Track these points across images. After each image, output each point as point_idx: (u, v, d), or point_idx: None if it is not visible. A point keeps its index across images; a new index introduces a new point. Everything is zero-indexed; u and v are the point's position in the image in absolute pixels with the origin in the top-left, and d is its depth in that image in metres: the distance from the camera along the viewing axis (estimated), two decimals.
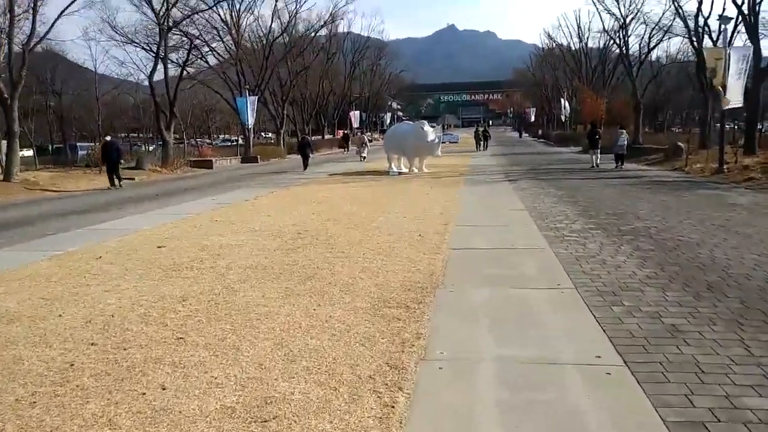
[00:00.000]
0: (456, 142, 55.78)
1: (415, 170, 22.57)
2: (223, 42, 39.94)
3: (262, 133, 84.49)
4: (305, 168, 26.91)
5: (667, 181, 17.65)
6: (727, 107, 19.40)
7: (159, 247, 8.44)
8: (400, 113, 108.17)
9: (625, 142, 23.92)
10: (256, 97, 39.95)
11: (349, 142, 41.87)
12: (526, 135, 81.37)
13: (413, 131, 21.93)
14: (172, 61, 33.28)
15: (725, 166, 19.23)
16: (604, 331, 4.60)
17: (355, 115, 71.75)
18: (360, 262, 7.05)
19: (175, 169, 29.26)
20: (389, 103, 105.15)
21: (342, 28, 63.81)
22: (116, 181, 21.23)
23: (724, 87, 19.02)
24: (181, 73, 31.25)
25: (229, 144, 61.68)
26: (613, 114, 40.94)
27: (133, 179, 25.20)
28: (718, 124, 37.45)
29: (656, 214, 10.72)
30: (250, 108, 38.21)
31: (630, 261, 7.03)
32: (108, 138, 23.38)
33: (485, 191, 15.28)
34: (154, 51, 29.72)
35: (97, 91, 35.80)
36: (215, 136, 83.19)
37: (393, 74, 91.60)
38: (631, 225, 9.62)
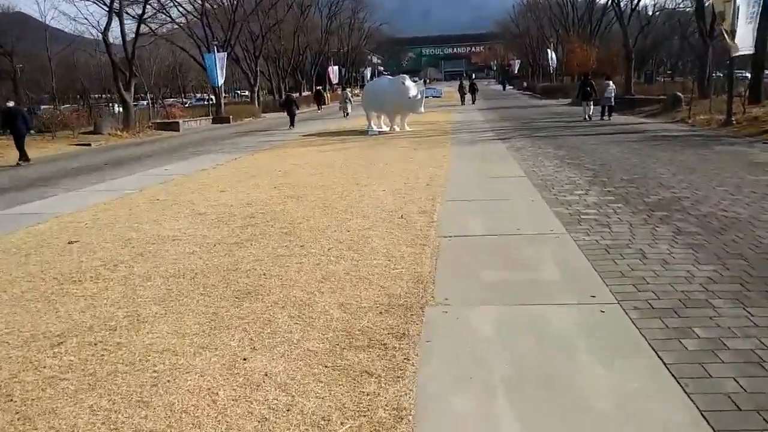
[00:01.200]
0: (439, 97, 53.50)
1: (397, 129, 20.69)
2: None
3: (238, 92, 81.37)
4: (293, 125, 25.83)
5: (675, 135, 15.98)
6: (736, 54, 17.62)
7: (70, 242, 6.63)
8: (381, 68, 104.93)
9: (612, 94, 22.83)
10: (226, 53, 37.32)
11: (323, 98, 36.52)
12: (511, 87, 79.01)
13: (393, 87, 19.95)
14: (130, 16, 30.53)
15: (733, 118, 17.61)
16: (688, 396, 2.95)
17: (333, 71, 68.80)
18: (322, 264, 5.32)
19: (137, 133, 27.00)
20: (369, 57, 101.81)
21: None
22: (21, 158, 17.00)
23: (733, 32, 17.21)
24: (138, 28, 28.60)
25: (204, 103, 58.87)
26: (603, 64, 38.93)
27: (89, 145, 23.02)
28: (717, 72, 35.85)
29: (680, 179, 9.06)
30: (219, 65, 35.60)
31: (677, 252, 5.38)
32: (10, 104, 18.94)
33: (476, 153, 13.52)
34: (107, 4, 26.98)
35: (49, 50, 32.92)
36: (190, 95, 79.99)
37: (372, 27, 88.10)
38: (657, 195, 7.96)
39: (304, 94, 60.27)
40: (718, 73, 36.70)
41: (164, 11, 35.42)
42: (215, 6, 40.51)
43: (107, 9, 27.06)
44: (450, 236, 6.18)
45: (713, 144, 13.58)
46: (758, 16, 17.26)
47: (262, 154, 15.52)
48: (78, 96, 37.74)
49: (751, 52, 18.06)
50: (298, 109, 29.87)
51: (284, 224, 6.95)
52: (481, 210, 7.44)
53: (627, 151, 12.91)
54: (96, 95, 39.25)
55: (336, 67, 70.79)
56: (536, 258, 5.30)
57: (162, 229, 7.04)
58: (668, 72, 73.19)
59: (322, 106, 43.26)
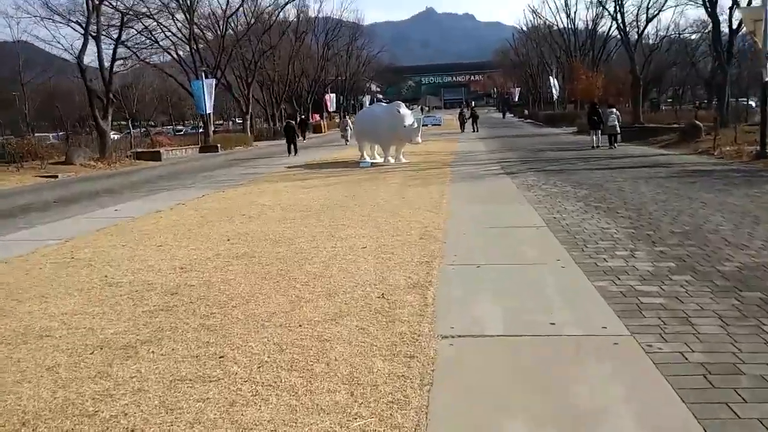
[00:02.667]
0: (439, 125, 51.94)
1: (391, 160, 18.72)
2: (174, 19, 35.45)
3: (234, 119, 79.68)
4: (294, 153, 25.63)
5: (707, 170, 13.96)
6: None
7: None
8: (380, 95, 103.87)
9: (617, 122, 22.01)
10: (214, 80, 35.66)
11: (308, 127, 32.83)
12: (511, 115, 77.60)
13: (387, 114, 18.06)
14: (112, 39, 28.85)
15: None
16: None
17: (330, 98, 67.49)
18: (238, 405, 3.19)
19: (112, 163, 25.06)
20: (368, 85, 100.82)
21: (313, 12, 59.53)
22: None
23: (765, 55, 15.36)
24: (114, 52, 26.86)
25: (198, 132, 57.10)
26: (610, 91, 37.23)
27: (56, 177, 21.06)
28: (735, 99, 34.05)
29: (750, 234, 6.98)
30: (207, 92, 33.98)
31: None
32: None
33: (481, 192, 11.48)
34: (83, 27, 25.29)
35: (22, 75, 31.19)
36: (189, 122, 78.33)
37: (370, 55, 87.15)
38: (731, 260, 5.87)
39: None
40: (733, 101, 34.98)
41: (148, 34, 33.79)
42: (204, 30, 38.99)
43: (83, 32, 25.31)
44: (452, 336, 4.08)
45: (760, 182, 11.52)
46: None
47: (235, 191, 13.48)
48: (56, 124, 35.94)
49: None
50: (300, 136, 28.63)
51: (212, 309, 4.84)
52: (495, 283, 5.34)
53: (660, 190, 10.87)
54: (77, 123, 37.42)
55: (333, 95, 69.51)
56: (595, 395, 3.19)
57: (40, 315, 4.93)
58: (668, 100, 71.83)
59: (310, 136, 40.17)
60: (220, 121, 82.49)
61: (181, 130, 66.12)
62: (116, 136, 49.06)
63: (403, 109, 18.03)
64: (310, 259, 6.44)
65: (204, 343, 4.08)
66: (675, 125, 29.10)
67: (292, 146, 26.00)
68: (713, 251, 6.24)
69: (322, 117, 65.34)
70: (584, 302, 4.74)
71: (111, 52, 27.34)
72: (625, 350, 3.78)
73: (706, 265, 5.70)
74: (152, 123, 77.23)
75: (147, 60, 35.77)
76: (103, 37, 27.65)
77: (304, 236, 7.71)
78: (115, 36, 29.64)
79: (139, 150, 29.29)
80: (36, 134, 34.03)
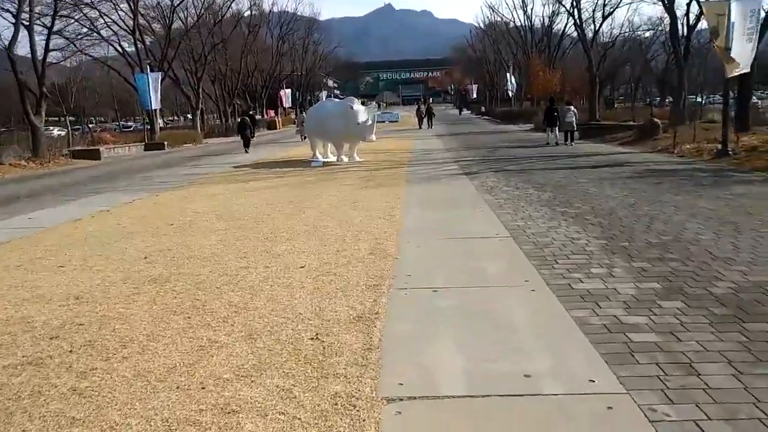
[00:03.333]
0: (396, 121, 51.15)
1: (345, 159, 17.75)
2: (117, 9, 33.49)
3: (188, 115, 76.98)
4: (247, 149, 25.00)
5: (671, 169, 13.46)
6: (732, 75, 15.39)
7: None
8: (337, 91, 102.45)
9: (574, 119, 22.23)
10: (159, 73, 33.88)
11: (256, 125, 29.75)
12: (468, 112, 77.49)
13: (340, 111, 17.05)
14: (46, 27, 26.86)
15: (729, 148, 15.29)
16: None
17: (286, 94, 65.73)
18: None
19: (45, 163, 23.26)
20: (325, 80, 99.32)
21: (268, 5, 57.85)
22: None
23: (728, 50, 14.97)
24: (47, 41, 24.99)
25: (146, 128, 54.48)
26: (566, 89, 37.08)
27: None
28: (693, 97, 34.25)
29: (732, 244, 6.29)
30: (152, 87, 32.19)
31: None
32: None
33: (439, 195, 10.61)
34: (14, 15, 23.39)
35: None
36: (138, 118, 75.14)
37: (327, 50, 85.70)
38: (721, 279, 5.12)
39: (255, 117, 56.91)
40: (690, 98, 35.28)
41: (89, 24, 31.80)
42: (151, 21, 37.09)
43: (13, 20, 23.41)
44: (399, 398, 3.15)
45: (728, 182, 11.02)
46: (757, 34, 15.11)
47: (171, 195, 12.26)
48: None
49: (746, 71, 15.91)
50: (253, 132, 27.77)
51: (94, 362, 3.76)
52: (455, 314, 4.44)
53: (627, 192, 10.21)
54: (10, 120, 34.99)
55: (288, 90, 67.78)
56: None
57: None
58: (620, 98, 72.81)
59: (263, 133, 37.14)
60: (172, 117, 79.74)
61: (129, 127, 63.36)
62: (61, 133, 46.62)
63: (357, 105, 17.05)
64: (236, 283, 5.41)
65: (68, 421, 3.03)
66: (631, 123, 28.98)
67: (247, 142, 25.37)
68: (699, 267, 5.49)
69: (277, 113, 63.76)
70: (563, 342, 3.87)
71: (45, 42, 25.39)
72: (622, 419, 2.91)
73: (695, 287, 4.93)
74: (102, 119, 74.00)
75: (86, 52, 33.67)
76: (38, 27, 25.77)
77: (235, 252, 6.66)
78: (45, 24, 27.70)
79: (77, 148, 27.45)
80: None
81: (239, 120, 29.06)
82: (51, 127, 53.78)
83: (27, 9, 24.01)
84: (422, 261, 6.06)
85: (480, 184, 11.86)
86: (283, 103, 65.69)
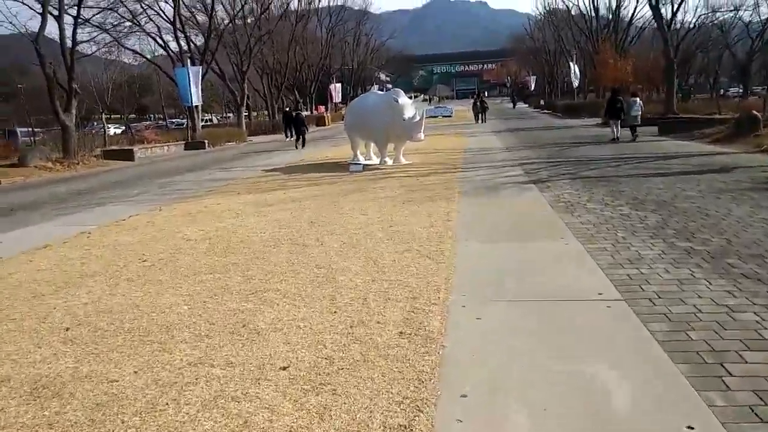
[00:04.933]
0: (450, 116, 48.38)
1: (388, 161, 15.40)
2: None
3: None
4: (303, 146, 24.47)
5: None
6: None
7: None
8: (389, 85, 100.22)
9: (639, 112, 20.73)
10: (200, 67, 32.35)
11: (295, 125, 25.98)
12: (525, 105, 73.71)
13: (383, 105, 14.73)
14: (82, 19, 25.58)
15: None
16: None
17: (336, 88, 63.83)
18: None
19: (74, 164, 21.88)
20: (377, 74, 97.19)
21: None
22: None
23: None
24: (74, 32, 23.53)
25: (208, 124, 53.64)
26: (640, 78, 33.44)
27: None
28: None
29: None
30: (193, 81, 30.64)
31: None
32: None
33: (502, 217, 8.09)
34: (41, 3, 22.06)
35: None
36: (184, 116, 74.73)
37: (379, 42, 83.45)
38: None
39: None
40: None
41: (128, 15, 30.55)
42: (194, 12, 35.69)
43: (40, 10, 22.11)
44: None
45: None
46: None
47: (175, 210, 10.20)
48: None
49: None
50: (306, 127, 26.35)
51: None
52: None
53: (765, 213, 7.42)
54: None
55: (339, 85, 65.85)
56: None
57: None
58: (690, 88, 67.24)
59: (291, 135, 29.89)
60: (229, 114, 79.23)
61: (182, 124, 62.91)
62: (117, 131, 46.14)
63: (403, 99, 14.64)
64: (161, 407, 3.13)
65: None
66: (719, 116, 25.46)
67: (301, 138, 24.87)
68: None
69: (327, 109, 61.93)
70: None
71: (76, 32, 24.03)
72: None
73: None
74: (160, 116, 74.03)
75: (123, 43, 32.56)
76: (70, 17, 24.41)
77: (195, 327, 4.39)
78: (87, 16, 26.49)
79: (111, 148, 26.11)
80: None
81: (294, 116, 27.73)
82: (110, 126, 53.85)
83: None
84: (486, 354, 3.64)
85: (555, 198, 9.24)
86: (333, 98, 63.84)
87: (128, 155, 24.74)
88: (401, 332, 4.03)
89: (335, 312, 4.49)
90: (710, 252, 5.80)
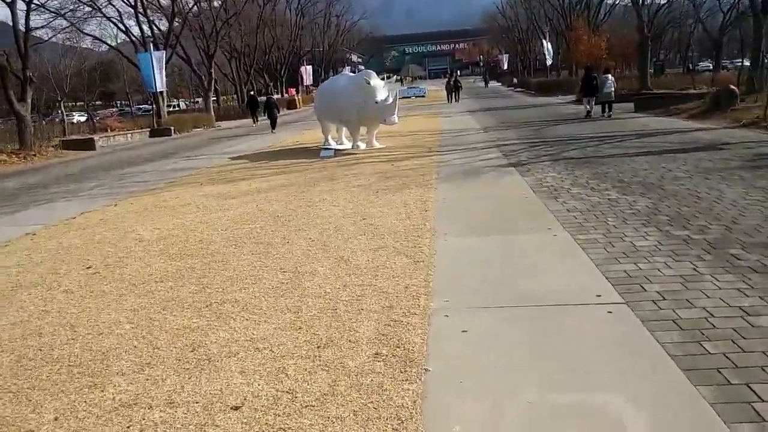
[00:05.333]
0: (423, 96, 47.72)
1: (361, 145, 14.76)
2: None
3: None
4: (274, 129, 24.33)
5: None
6: None
7: None
8: (362, 67, 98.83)
9: (612, 88, 20.71)
10: (164, 52, 31.12)
11: (268, 108, 25.43)
12: (498, 84, 73.28)
13: (354, 87, 14.08)
14: (38, 4, 24.24)
15: None
16: None
17: (307, 71, 62.50)
18: None
19: (31, 156, 20.78)
20: (348, 56, 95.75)
21: None
22: None
23: None
24: (28, 15, 22.25)
25: (171, 110, 51.95)
26: (614, 54, 33.11)
27: None
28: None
29: None
30: (156, 66, 29.42)
31: None
32: None
33: (483, 204, 7.56)
34: None
35: None
36: (173, 100, 72.48)
37: (350, 23, 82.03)
38: None
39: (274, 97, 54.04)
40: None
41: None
42: None
43: None
44: None
45: None
46: None
47: (130, 205, 9.46)
48: None
49: None
50: (279, 111, 26.27)
51: None
52: None
53: (760, 194, 7.01)
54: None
55: (309, 67, 64.54)
56: None
57: None
58: (662, 63, 67.37)
59: (257, 120, 29.61)
60: (198, 99, 77.19)
61: (150, 110, 60.95)
62: (81, 119, 44.43)
63: (374, 80, 13.99)
64: None
65: None
66: (694, 91, 25.26)
67: (271, 121, 24.56)
68: None
69: (298, 91, 60.65)
70: None
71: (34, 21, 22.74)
72: None
73: None
74: (127, 103, 71.93)
75: (81, 28, 31.10)
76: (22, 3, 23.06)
77: (137, 350, 3.77)
78: (41, 0, 25.11)
79: (71, 138, 24.96)
80: None
81: (266, 99, 27.42)
82: (74, 114, 51.91)
83: None
84: (476, 379, 3.10)
85: (537, 183, 8.74)
86: (305, 80, 62.57)
87: (89, 145, 23.64)
88: (377, 353, 3.47)
89: (300, 328, 3.91)
90: (710, 241, 5.33)
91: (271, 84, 58.19)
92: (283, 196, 9.02)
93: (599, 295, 4.16)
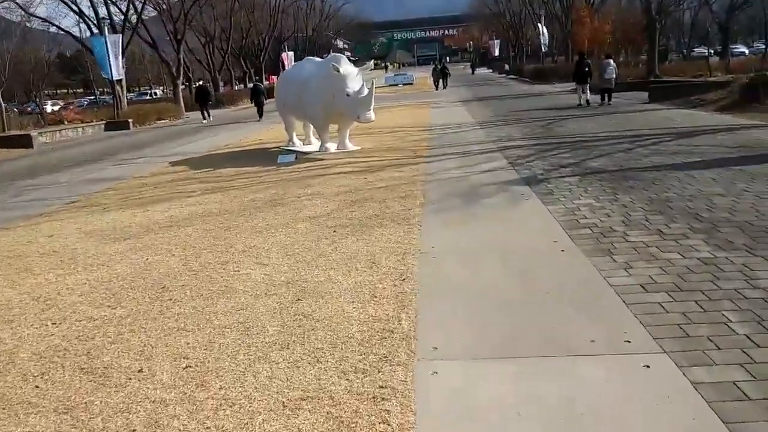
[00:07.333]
0: (411, 83, 44.84)
1: (330, 147, 11.91)
2: None
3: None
4: (261, 117, 23.76)
5: None
6: None
7: None
8: (348, 53, 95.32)
9: (614, 75, 19.19)
10: (120, 36, 27.92)
11: (211, 97, 24.58)
12: (488, 71, 70.26)
13: (321, 76, 11.15)
14: None
15: None
16: None
17: (288, 57, 59.15)
18: None
19: None
20: (334, 42, 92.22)
21: None
22: None
23: None
24: None
25: (148, 98, 48.62)
26: (618, 39, 30.28)
27: None
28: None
29: None
30: (112, 52, 26.30)
31: None
32: None
33: (498, 276, 4.72)
34: None
35: None
36: (144, 88, 68.58)
37: (334, 7, 78.61)
38: None
39: (249, 86, 50.80)
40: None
41: None
42: None
43: None
44: None
45: None
46: None
47: (30, 228, 6.55)
48: None
49: None
50: (266, 98, 25.55)
51: None
52: None
53: None
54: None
55: (291, 53, 61.19)
56: None
57: None
58: (662, 47, 64.25)
59: (208, 115, 26.32)
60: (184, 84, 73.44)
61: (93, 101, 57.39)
62: (56, 108, 40.92)
63: (346, 67, 11.06)
64: None
65: None
66: (712, 79, 22.53)
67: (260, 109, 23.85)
68: None
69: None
70: None
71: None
72: None
73: None
74: (99, 91, 68.20)
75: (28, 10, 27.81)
76: None
77: None
78: None
79: (6, 134, 21.82)
80: None
81: (253, 87, 26.96)
82: (47, 102, 48.34)
83: None
84: None
85: (569, 217, 5.91)
86: (286, 67, 59.29)
87: (25, 141, 20.52)
88: None
89: None
90: None
91: (252, 69, 55.00)
92: (198, 236, 6.13)
93: None
